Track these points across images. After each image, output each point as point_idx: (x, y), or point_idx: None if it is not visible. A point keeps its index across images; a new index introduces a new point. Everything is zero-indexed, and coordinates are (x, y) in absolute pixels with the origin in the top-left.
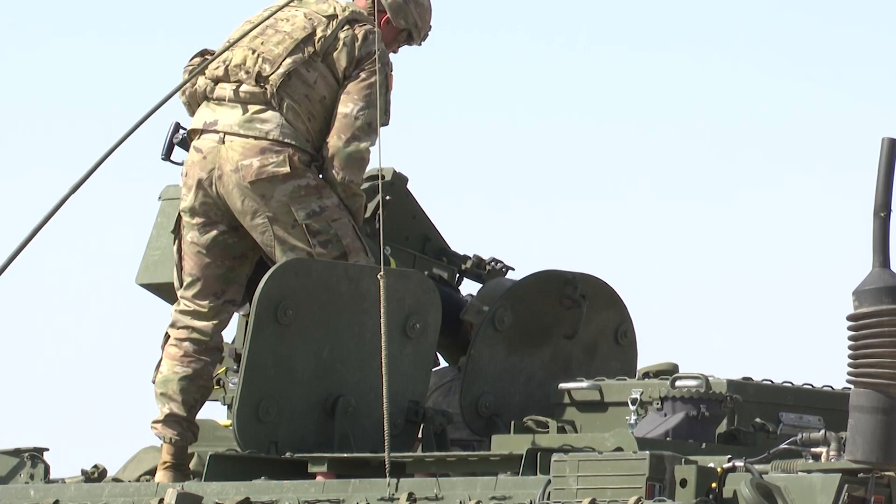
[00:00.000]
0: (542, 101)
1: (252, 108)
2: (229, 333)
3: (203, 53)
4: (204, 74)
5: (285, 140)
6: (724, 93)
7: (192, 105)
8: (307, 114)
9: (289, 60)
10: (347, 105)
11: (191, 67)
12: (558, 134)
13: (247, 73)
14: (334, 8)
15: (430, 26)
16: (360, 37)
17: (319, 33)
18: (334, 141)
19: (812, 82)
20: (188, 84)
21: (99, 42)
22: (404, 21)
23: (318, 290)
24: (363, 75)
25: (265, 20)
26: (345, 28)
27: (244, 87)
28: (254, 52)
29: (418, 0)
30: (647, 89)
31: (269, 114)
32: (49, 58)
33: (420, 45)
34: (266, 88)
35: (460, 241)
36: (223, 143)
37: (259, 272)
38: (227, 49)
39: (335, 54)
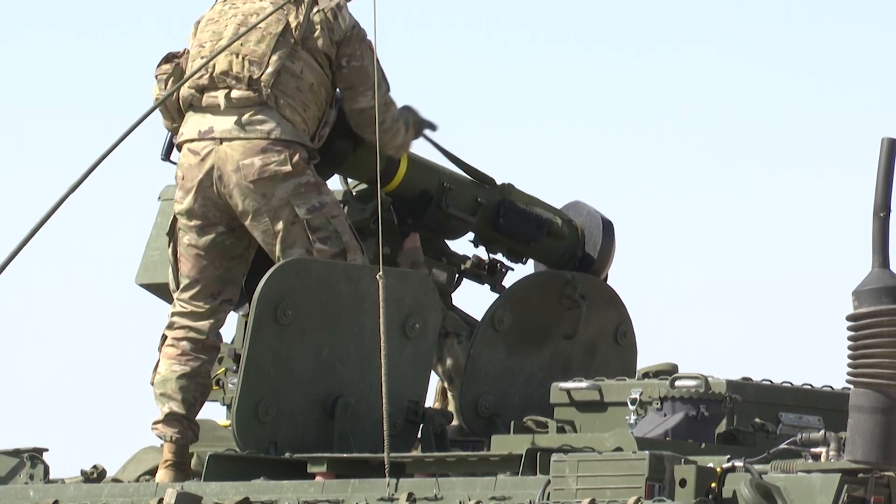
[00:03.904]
0: (540, 101)
1: (248, 111)
2: (229, 333)
3: (169, 58)
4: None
5: (287, 138)
6: (723, 92)
7: (171, 112)
8: (301, 105)
9: (275, 58)
10: (357, 101)
11: (163, 76)
12: (557, 134)
13: (236, 78)
14: None
15: None
16: (331, 18)
17: (293, 21)
18: (368, 136)
19: (812, 82)
20: (167, 89)
21: (98, 42)
22: None
23: (317, 290)
24: (354, 63)
25: (250, 30)
26: (315, 10)
27: (235, 93)
28: (237, 55)
29: None
30: (646, 88)
31: (267, 114)
32: (48, 58)
33: None
34: (260, 91)
35: (460, 241)
36: (221, 145)
37: (259, 272)
38: (219, 54)
39: (314, 37)
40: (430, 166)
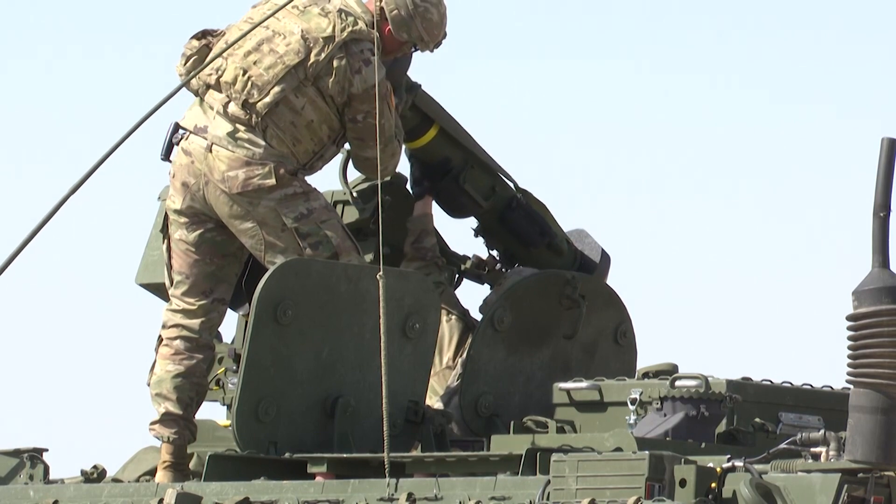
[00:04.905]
0: (539, 102)
1: (239, 127)
2: (229, 333)
3: (204, 34)
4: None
5: (269, 160)
6: (723, 92)
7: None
8: (292, 139)
9: (277, 89)
10: (365, 150)
11: (188, 52)
12: (555, 133)
13: (236, 93)
14: (333, 26)
15: (445, 34)
16: (352, 71)
17: (313, 58)
18: (370, 176)
19: (812, 82)
20: (186, 66)
21: (100, 42)
22: (407, 35)
23: (317, 290)
24: (370, 120)
25: (258, 24)
26: (340, 56)
27: (232, 107)
28: (244, 72)
29: (426, 15)
30: (647, 87)
31: (254, 138)
32: (50, 58)
33: (432, 51)
34: (251, 116)
35: (460, 241)
36: (210, 151)
37: (259, 272)
38: (220, 54)
39: (327, 79)
40: (458, 140)
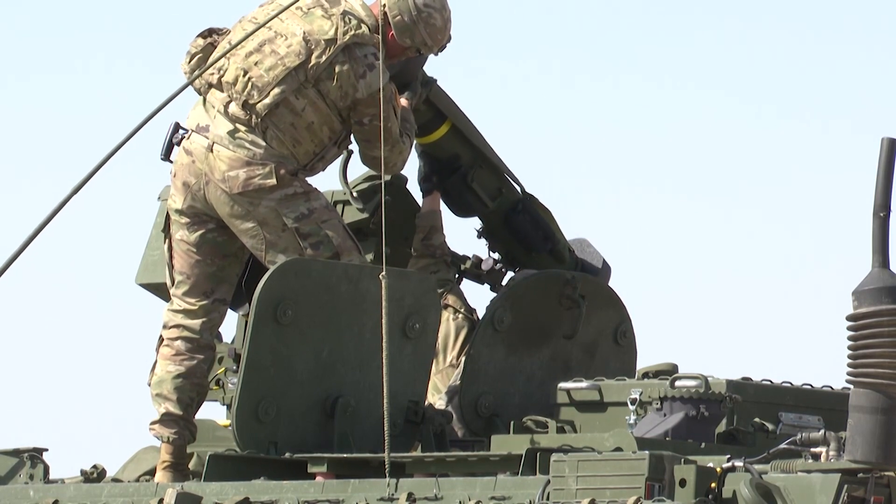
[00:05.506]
0: (538, 101)
1: (240, 127)
2: (229, 333)
3: (210, 33)
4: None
5: (270, 160)
6: (722, 92)
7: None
8: (292, 140)
9: (277, 90)
10: (373, 150)
11: (193, 51)
12: (554, 133)
13: (236, 94)
14: (336, 28)
15: (449, 37)
16: (354, 76)
17: (314, 60)
18: (379, 172)
19: (811, 81)
20: (190, 65)
21: (100, 42)
22: (410, 40)
23: (317, 290)
24: (376, 123)
25: (262, 25)
26: (342, 60)
27: (232, 107)
28: (245, 73)
29: (429, 20)
30: (647, 87)
31: (254, 138)
32: (50, 58)
33: (437, 55)
34: (251, 116)
35: (460, 241)
36: (211, 151)
37: (259, 272)
38: (224, 55)
39: (329, 83)
40: (469, 139)
